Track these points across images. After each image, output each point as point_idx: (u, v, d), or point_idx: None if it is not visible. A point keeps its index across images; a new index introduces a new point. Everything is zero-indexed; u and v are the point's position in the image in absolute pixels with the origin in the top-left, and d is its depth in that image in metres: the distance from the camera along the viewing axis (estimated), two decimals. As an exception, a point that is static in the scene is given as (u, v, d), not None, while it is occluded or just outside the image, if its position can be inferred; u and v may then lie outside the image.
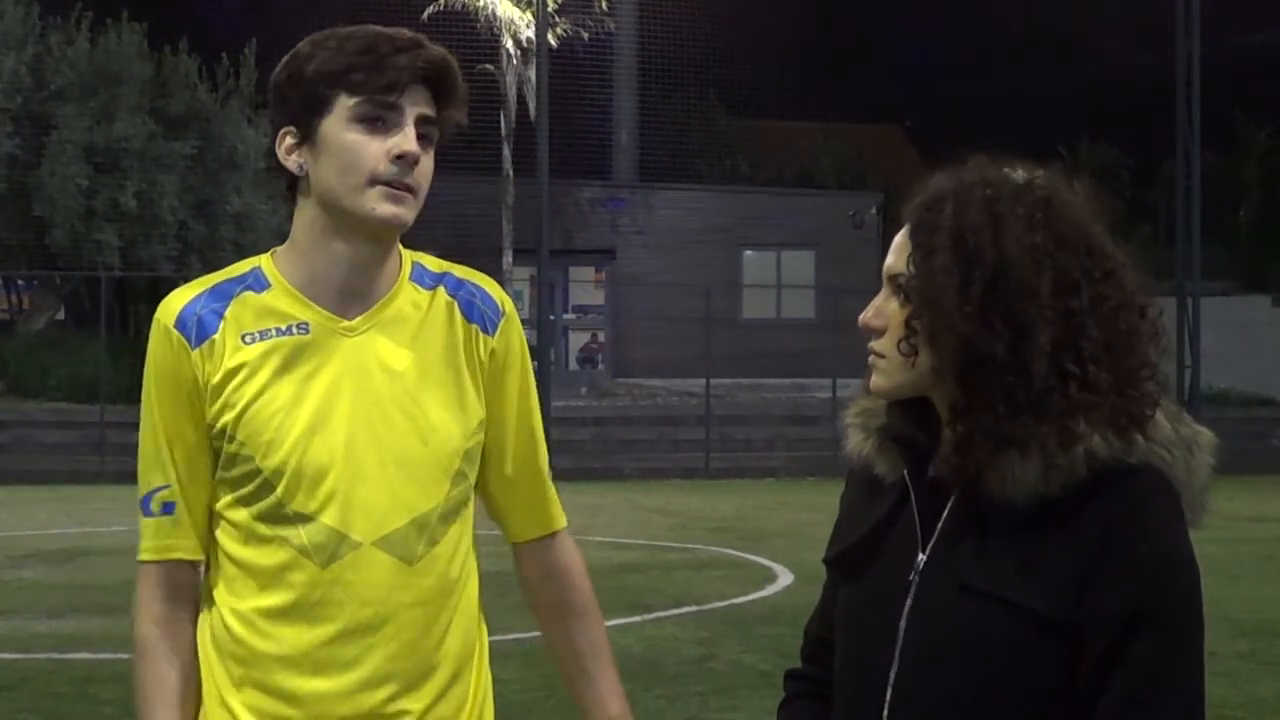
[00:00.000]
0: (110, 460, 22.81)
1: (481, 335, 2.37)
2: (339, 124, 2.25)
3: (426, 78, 2.27)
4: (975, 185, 2.01)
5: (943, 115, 49.08)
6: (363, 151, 2.24)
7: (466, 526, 2.37)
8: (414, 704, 2.29)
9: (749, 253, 34.75)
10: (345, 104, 2.24)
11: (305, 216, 2.33)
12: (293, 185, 2.34)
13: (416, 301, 2.34)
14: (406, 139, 2.24)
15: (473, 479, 2.36)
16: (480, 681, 2.41)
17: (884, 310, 2.05)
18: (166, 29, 28.87)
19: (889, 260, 2.06)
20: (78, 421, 24.73)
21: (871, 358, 2.07)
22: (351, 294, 2.31)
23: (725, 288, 31.98)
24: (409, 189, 2.26)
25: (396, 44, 2.26)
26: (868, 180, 40.65)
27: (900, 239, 2.06)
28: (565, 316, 34.11)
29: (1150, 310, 2.01)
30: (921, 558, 2.01)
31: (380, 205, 2.24)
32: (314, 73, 2.26)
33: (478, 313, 2.38)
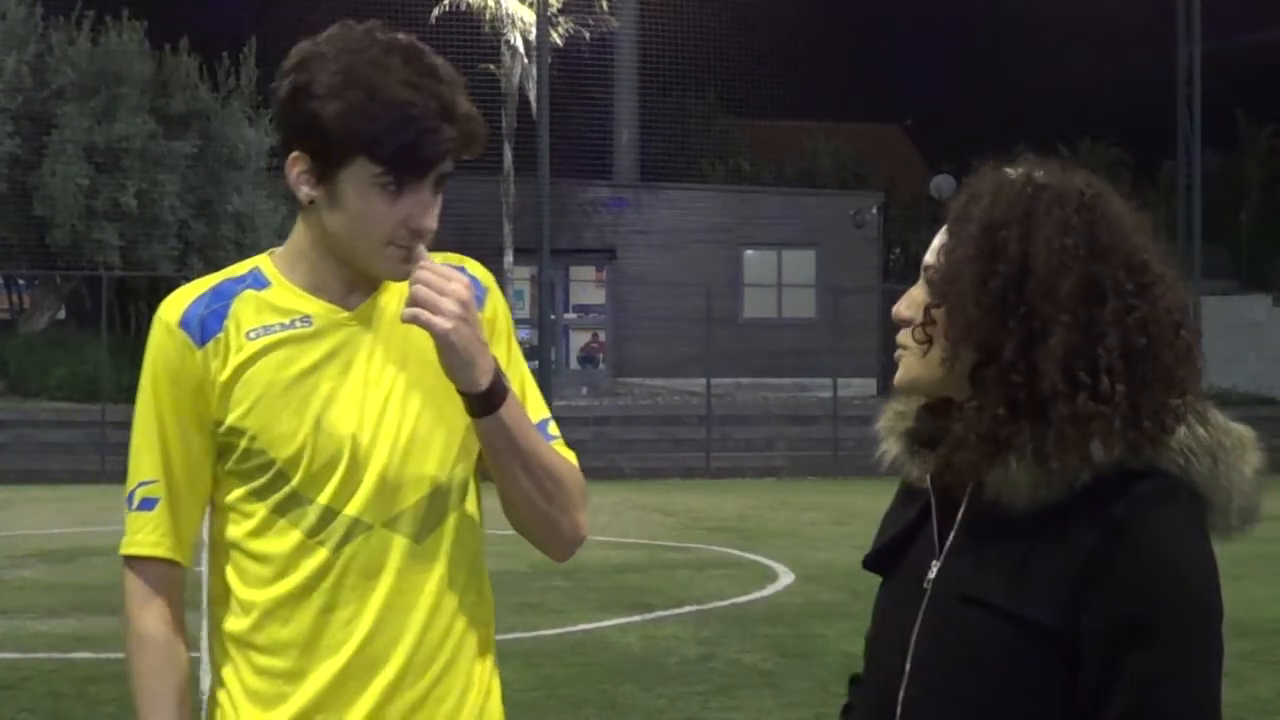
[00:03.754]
0: (111, 460, 22.81)
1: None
2: (359, 186, 2.22)
3: (455, 151, 2.25)
4: (1017, 182, 1.97)
5: (944, 115, 49.13)
6: (380, 220, 2.23)
7: (472, 504, 2.40)
8: (424, 683, 2.32)
9: (750, 252, 34.75)
10: (368, 169, 2.21)
11: (310, 235, 2.33)
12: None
13: (404, 289, 2.35)
14: (426, 214, 2.24)
15: (474, 454, 2.38)
16: (487, 662, 2.43)
17: (915, 301, 2.02)
18: (167, 28, 28.87)
19: (927, 254, 2.03)
20: (78, 421, 24.75)
21: (897, 352, 2.04)
22: (350, 289, 2.34)
23: (726, 287, 31.98)
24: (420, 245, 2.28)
25: (429, 118, 2.19)
26: (869, 180, 40.66)
27: (941, 232, 2.03)
28: (566, 316, 34.11)
29: (1186, 329, 1.95)
30: (935, 566, 1.99)
31: (394, 267, 2.27)
32: (335, 123, 2.19)
33: None
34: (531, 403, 2.43)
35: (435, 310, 2.20)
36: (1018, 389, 1.89)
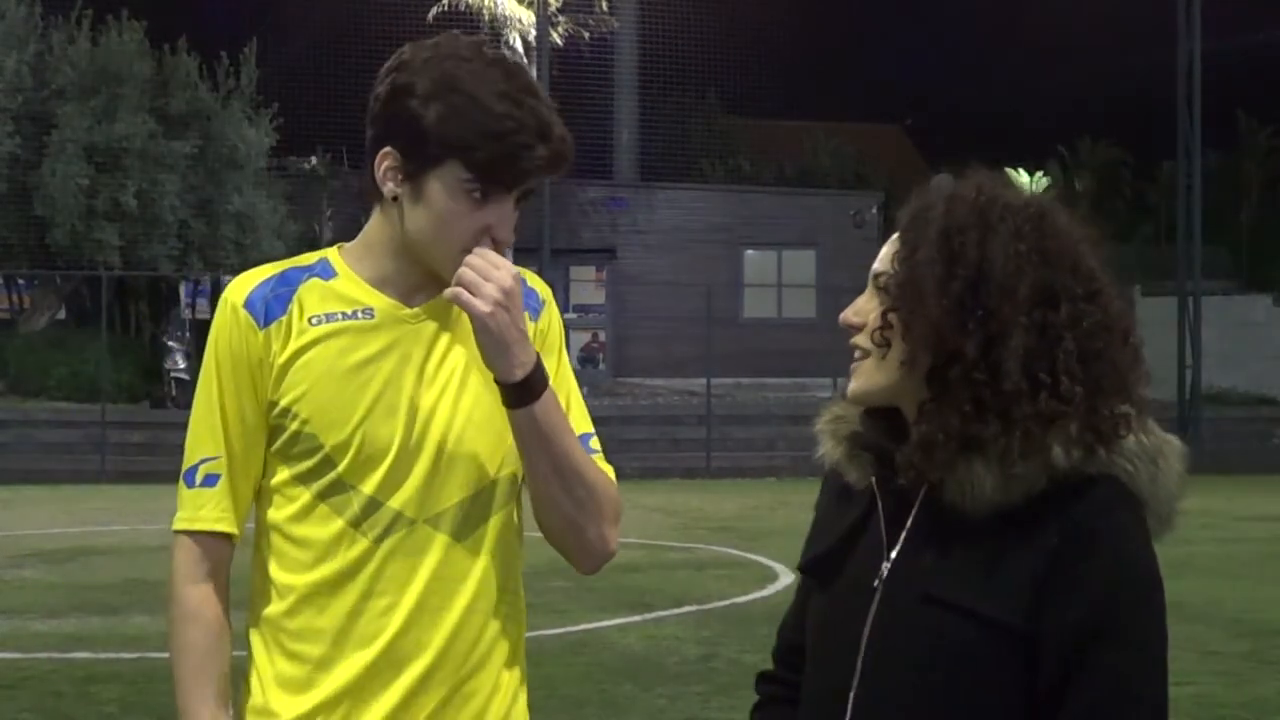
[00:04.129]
0: (111, 460, 22.83)
1: (529, 321, 2.41)
2: (447, 188, 2.27)
3: (545, 170, 2.30)
4: (969, 192, 2.03)
5: (944, 114, 49.14)
6: (461, 224, 2.27)
7: (514, 509, 2.42)
8: (455, 678, 2.34)
9: (750, 252, 34.76)
10: (458, 173, 2.25)
11: (385, 230, 2.37)
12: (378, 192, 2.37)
13: None
14: (505, 227, 2.29)
15: (520, 462, 2.39)
16: (516, 669, 2.45)
17: (863, 309, 2.08)
18: (166, 28, 28.88)
19: (876, 262, 2.09)
20: (78, 421, 24.73)
21: (853, 362, 2.09)
22: (415, 288, 2.37)
23: (726, 287, 32.00)
24: None
25: (526, 134, 2.24)
26: (869, 179, 40.69)
27: (891, 242, 2.09)
28: (566, 316, 34.05)
29: (1134, 336, 2.02)
30: (885, 566, 2.02)
31: None
32: (434, 126, 2.24)
33: (524, 302, 2.42)
34: (576, 415, 2.45)
35: (476, 292, 2.24)
36: (982, 387, 1.94)
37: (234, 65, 29.45)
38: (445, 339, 2.36)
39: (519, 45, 29.77)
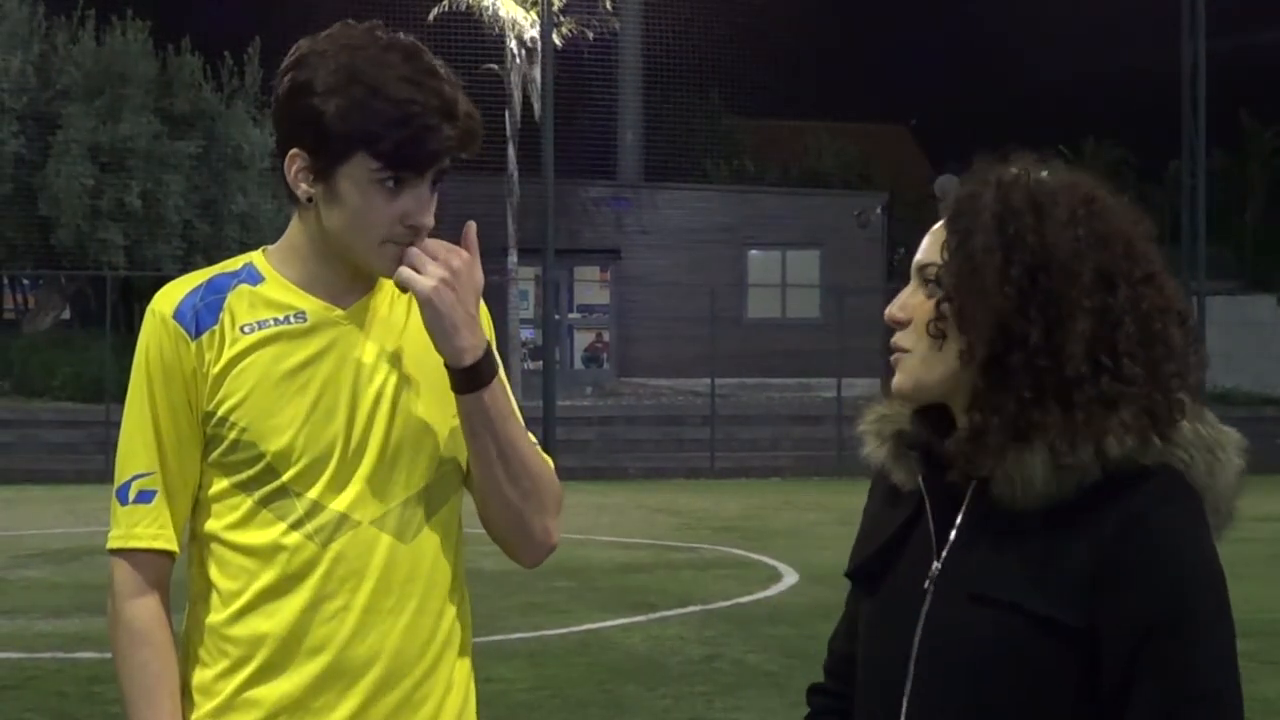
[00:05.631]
0: (115, 459, 22.80)
1: None
2: (357, 182, 2.23)
3: (454, 149, 2.25)
4: (1019, 176, 1.99)
5: (948, 114, 49.11)
6: (378, 215, 2.24)
7: (456, 506, 2.40)
8: (407, 681, 2.31)
9: (754, 252, 34.74)
10: (366, 165, 2.21)
11: (306, 232, 2.34)
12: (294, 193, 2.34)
13: (396, 293, 2.37)
14: (424, 211, 2.25)
15: (462, 460, 2.38)
16: (467, 663, 2.43)
17: (909, 304, 2.02)
18: (170, 28, 28.91)
19: (919, 254, 2.03)
20: (83, 421, 24.76)
21: (894, 355, 2.03)
22: (345, 289, 2.34)
23: (730, 287, 32.00)
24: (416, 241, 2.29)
25: (429, 114, 2.20)
26: (873, 179, 40.67)
27: (933, 233, 2.03)
28: (570, 316, 34.09)
29: (1190, 319, 1.98)
30: (936, 566, 1.98)
31: (390, 264, 2.27)
32: (334, 123, 2.21)
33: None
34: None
35: (421, 270, 2.22)
36: (1045, 373, 1.90)
37: (238, 65, 29.49)
38: (380, 338, 2.33)
39: (519, 49, 29.69)
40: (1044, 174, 2.00)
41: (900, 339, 2.02)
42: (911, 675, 1.96)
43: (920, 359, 2.00)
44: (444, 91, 2.22)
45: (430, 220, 2.26)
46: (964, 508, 1.97)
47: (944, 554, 1.98)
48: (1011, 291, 1.91)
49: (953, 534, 1.98)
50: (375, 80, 2.20)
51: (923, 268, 2.01)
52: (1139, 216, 2.01)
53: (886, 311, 2.04)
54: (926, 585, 1.98)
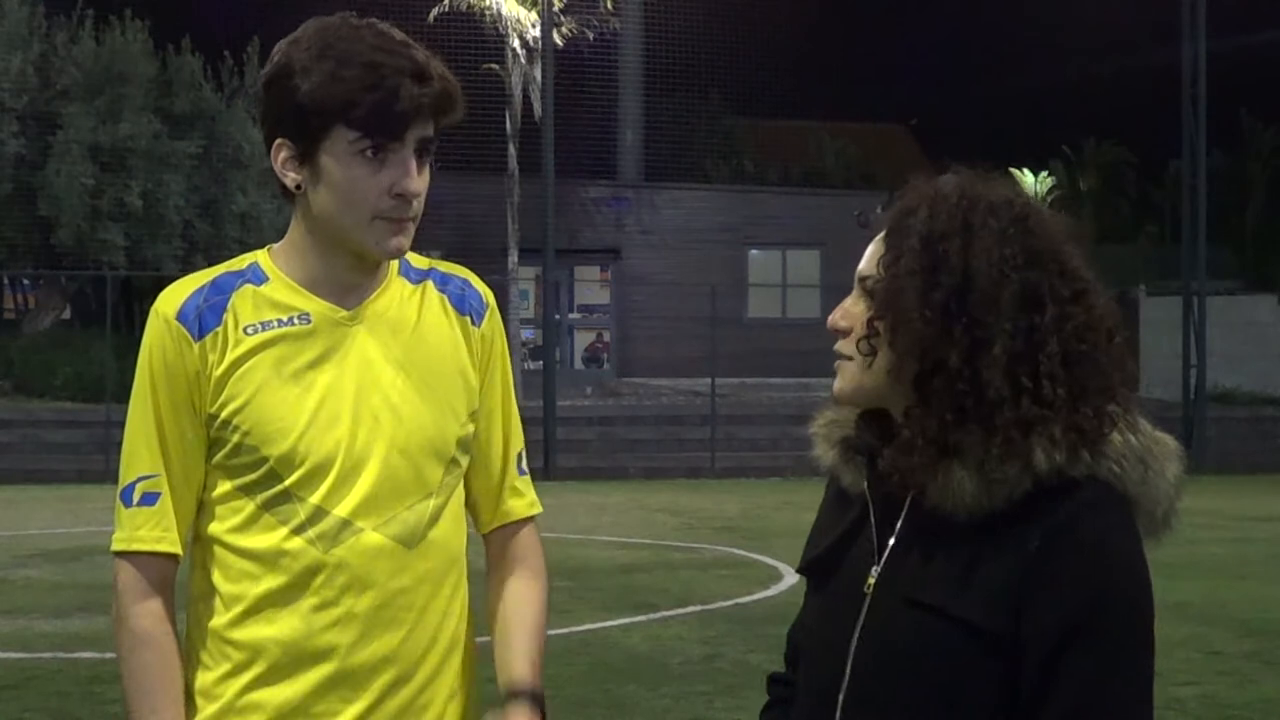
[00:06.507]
0: (116, 460, 22.54)
1: (472, 326, 2.40)
2: (339, 156, 2.23)
3: (430, 109, 2.24)
4: (951, 194, 2.01)
5: (948, 114, 49.11)
6: (364, 188, 2.23)
7: (460, 513, 2.40)
8: (411, 687, 2.31)
9: (754, 252, 34.76)
10: (345, 136, 2.21)
11: (304, 225, 2.33)
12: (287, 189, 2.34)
13: (406, 294, 2.37)
14: (409, 177, 2.24)
15: (465, 465, 2.39)
16: (470, 668, 2.43)
17: (850, 312, 2.06)
18: (170, 28, 28.92)
19: (862, 264, 2.07)
20: (83, 421, 24.74)
21: (837, 361, 2.07)
22: (348, 288, 2.33)
23: (731, 287, 31.98)
24: (410, 219, 2.27)
25: (400, 75, 2.20)
26: (874, 179, 40.67)
27: (875, 243, 2.07)
28: (570, 316, 34.11)
29: (1118, 334, 2.00)
30: (875, 571, 2.02)
31: (383, 240, 2.26)
32: (309, 98, 2.21)
33: (467, 305, 2.42)
34: (513, 430, 2.46)
35: None
36: (964, 396, 1.93)
37: (238, 65, 29.49)
38: (385, 340, 2.33)
39: (520, 49, 29.68)
40: (979, 189, 2.02)
41: (842, 346, 2.06)
42: (849, 674, 2.01)
43: (859, 366, 2.04)
44: (415, 56, 2.23)
45: (418, 186, 2.25)
46: (903, 515, 2.02)
47: (884, 558, 2.03)
48: (932, 315, 1.94)
49: (892, 539, 2.02)
50: (346, 51, 2.21)
51: (863, 279, 2.05)
52: (1074, 233, 2.03)
53: (829, 319, 2.08)
54: (866, 589, 2.02)
